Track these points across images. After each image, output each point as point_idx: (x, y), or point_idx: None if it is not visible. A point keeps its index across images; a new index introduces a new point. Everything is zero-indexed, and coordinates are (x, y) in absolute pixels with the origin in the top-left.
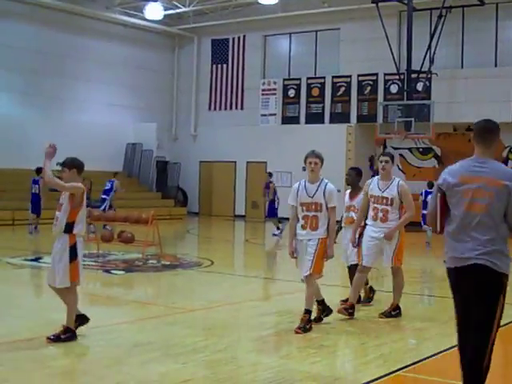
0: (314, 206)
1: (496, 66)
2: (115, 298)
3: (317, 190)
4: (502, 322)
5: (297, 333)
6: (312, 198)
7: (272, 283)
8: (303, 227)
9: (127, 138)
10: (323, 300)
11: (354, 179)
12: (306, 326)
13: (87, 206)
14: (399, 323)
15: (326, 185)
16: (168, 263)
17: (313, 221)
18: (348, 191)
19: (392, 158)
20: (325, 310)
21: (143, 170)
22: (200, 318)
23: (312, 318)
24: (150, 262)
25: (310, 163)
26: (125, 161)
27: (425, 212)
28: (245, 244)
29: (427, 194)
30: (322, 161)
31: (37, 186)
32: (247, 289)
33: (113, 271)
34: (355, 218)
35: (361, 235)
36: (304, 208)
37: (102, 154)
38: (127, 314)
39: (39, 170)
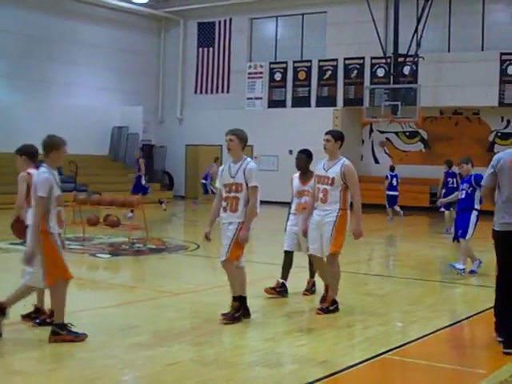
0: (234, 187)
1: (483, 49)
2: (101, 281)
3: (238, 170)
4: None
5: (221, 320)
6: (234, 178)
7: (258, 266)
8: (224, 209)
9: (113, 121)
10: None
11: (305, 162)
12: (234, 314)
13: (73, 190)
14: (385, 306)
15: (248, 164)
16: (154, 247)
17: (233, 202)
18: (296, 175)
19: (336, 136)
20: (240, 309)
21: (129, 153)
22: (186, 302)
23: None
24: (136, 245)
25: (226, 141)
26: (111, 144)
27: (389, 193)
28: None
29: (392, 177)
30: (240, 138)
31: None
32: None
33: (99, 255)
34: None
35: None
36: (226, 189)
37: (87, 138)
38: (113, 298)
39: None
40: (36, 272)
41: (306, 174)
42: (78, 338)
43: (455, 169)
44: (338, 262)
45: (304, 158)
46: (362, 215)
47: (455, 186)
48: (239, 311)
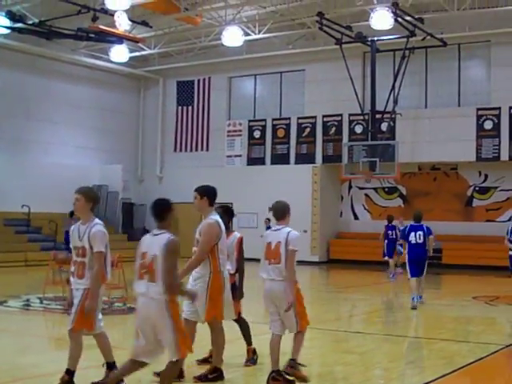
0: (81, 251)
1: (459, 105)
2: None
3: (84, 232)
4: None
5: None
6: (81, 241)
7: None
8: (72, 274)
9: (93, 179)
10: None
11: (225, 220)
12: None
13: (52, 249)
14: (366, 364)
15: (93, 226)
16: (134, 306)
17: (79, 267)
18: None
19: (202, 192)
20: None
21: (109, 211)
22: (164, 363)
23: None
24: (116, 304)
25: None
26: None
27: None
28: None
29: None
30: (87, 197)
31: None
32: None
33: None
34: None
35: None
36: (75, 252)
37: (67, 196)
38: (93, 359)
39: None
40: None
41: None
42: None
43: (395, 222)
44: (221, 329)
45: (220, 213)
46: (343, 271)
47: (395, 237)
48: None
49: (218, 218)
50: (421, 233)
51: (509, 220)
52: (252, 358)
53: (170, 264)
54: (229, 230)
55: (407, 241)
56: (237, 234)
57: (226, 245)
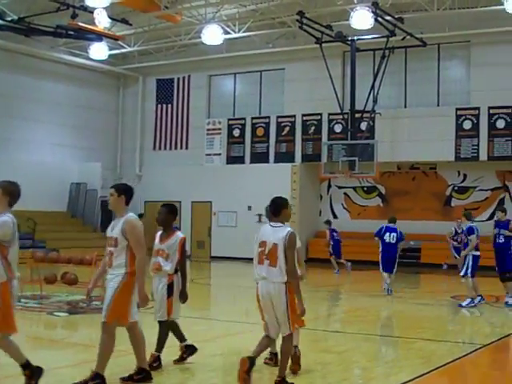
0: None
1: (438, 105)
2: (58, 340)
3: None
4: None
5: None
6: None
7: (217, 324)
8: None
9: (72, 177)
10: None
11: (167, 218)
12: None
13: (31, 247)
14: (344, 363)
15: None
16: None
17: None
18: (159, 232)
19: (119, 190)
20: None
21: (88, 209)
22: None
23: None
24: (94, 303)
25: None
26: (69, 201)
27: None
28: (190, 284)
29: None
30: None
31: None
32: (192, 330)
33: (56, 313)
34: (162, 264)
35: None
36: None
37: (45, 194)
38: (71, 358)
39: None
40: None
41: (166, 230)
42: None
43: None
44: (113, 333)
45: (165, 213)
46: (321, 270)
47: (339, 238)
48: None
49: (135, 216)
50: (394, 234)
51: (488, 219)
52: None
53: (291, 253)
54: (171, 229)
55: (382, 239)
56: (179, 235)
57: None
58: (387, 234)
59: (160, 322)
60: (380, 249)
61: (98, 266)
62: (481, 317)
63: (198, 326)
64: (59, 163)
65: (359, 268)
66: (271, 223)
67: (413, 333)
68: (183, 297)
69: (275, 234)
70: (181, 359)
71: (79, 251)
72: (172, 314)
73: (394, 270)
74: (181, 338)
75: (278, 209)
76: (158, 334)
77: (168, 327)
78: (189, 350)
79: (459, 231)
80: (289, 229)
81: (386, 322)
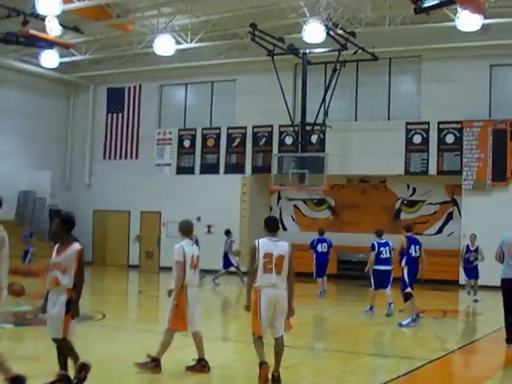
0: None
1: (389, 119)
2: (4, 353)
3: None
4: None
5: None
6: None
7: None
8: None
9: (20, 185)
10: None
11: (60, 230)
12: None
13: None
14: (292, 378)
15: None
16: None
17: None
18: (56, 245)
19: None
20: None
21: (36, 218)
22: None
23: None
24: (40, 315)
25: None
26: (17, 209)
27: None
28: (138, 295)
29: (319, 241)
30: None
31: None
32: (141, 343)
33: (1, 325)
34: (60, 278)
35: None
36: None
37: None
38: (16, 370)
39: None
40: None
41: (63, 242)
42: None
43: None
44: (70, 344)
45: (58, 223)
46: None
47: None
48: None
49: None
50: (325, 244)
51: (436, 233)
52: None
53: (293, 261)
54: (67, 241)
55: (315, 250)
56: (76, 246)
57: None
58: (319, 244)
59: (56, 340)
60: (314, 258)
61: (46, 276)
62: (428, 331)
63: (146, 339)
64: (7, 171)
65: (307, 280)
66: (270, 237)
67: (360, 347)
68: (75, 313)
69: (278, 247)
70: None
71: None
72: (69, 331)
73: (326, 272)
74: (75, 357)
75: (276, 225)
76: (58, 353)
77: (66, 345)
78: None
79: (472, 248)
80: (287, 242)
81: (333, 337)
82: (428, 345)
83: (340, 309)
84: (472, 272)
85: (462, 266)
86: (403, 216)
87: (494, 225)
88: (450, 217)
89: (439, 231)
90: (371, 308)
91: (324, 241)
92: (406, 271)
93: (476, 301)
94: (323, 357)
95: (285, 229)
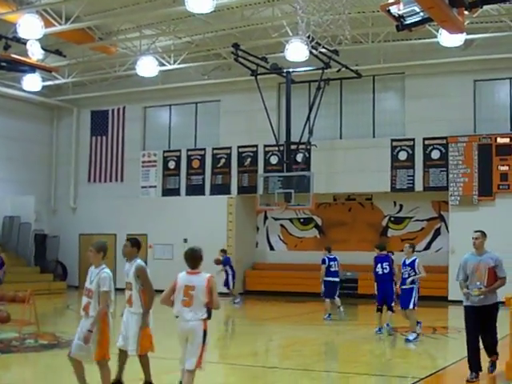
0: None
1: (374, 136)
2: None
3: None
4: None
5: None
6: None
7: (155, 362)
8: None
9: (4, 210)
10: None
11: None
12: None
13: None
14: None
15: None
16: (46, 342)
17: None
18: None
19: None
20: None
21: (21, 243)
22: None
23: None
24: (27, 341)
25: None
26: (2, 234)
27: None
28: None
29: (330, 260)
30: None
31: None
32: (131, 368)
33: None
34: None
35: None
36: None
37: None
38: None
39: None
40: None
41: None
42: None
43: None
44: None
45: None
46: (258, 302)
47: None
48: None
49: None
50: (336, 263)
51: (424, 250)
52: None
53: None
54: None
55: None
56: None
57: None
58: (332, 263)
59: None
60: (325, 277)
61: (32, 303)
62: (418, 348)
63: (136, 364)
64: None
65: (295, 300)
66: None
67: (349, 367)
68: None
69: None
70: None
71: (12, 286)
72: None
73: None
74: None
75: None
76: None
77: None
78: None
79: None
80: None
81: (323, 357)
82: (418, 363)
83: (331, 328)
84: None
85: None
86: (390, 233)
87: None
88: (437, 233)
89: (427, 247)
90: (329, 315)
91: (335, 259)
92: (375, 287)
93: None
94: (313, 378)
95: (272, 248)
